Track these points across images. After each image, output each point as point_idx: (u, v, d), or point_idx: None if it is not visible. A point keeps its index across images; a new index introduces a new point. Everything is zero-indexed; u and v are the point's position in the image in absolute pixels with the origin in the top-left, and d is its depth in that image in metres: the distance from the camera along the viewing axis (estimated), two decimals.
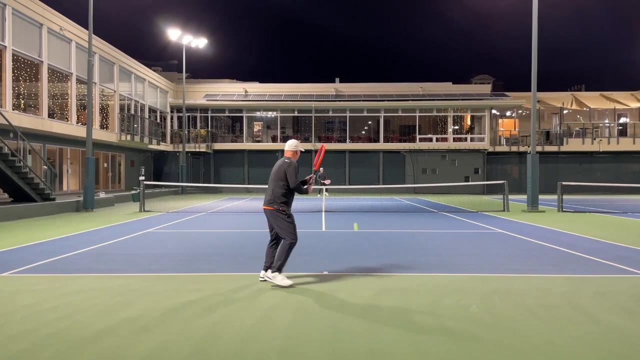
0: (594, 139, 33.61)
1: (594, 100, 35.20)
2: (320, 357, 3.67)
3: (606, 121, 35.73)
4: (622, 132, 34.92)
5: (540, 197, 18.40)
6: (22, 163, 15.18)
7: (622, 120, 36.20)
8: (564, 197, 17.84)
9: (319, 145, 34.01)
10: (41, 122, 18.92)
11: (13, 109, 17.41)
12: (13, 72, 17.58)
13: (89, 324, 4.43)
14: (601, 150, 33.45)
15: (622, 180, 31.89)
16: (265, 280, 6.03)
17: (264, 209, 6.09)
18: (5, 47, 17.01)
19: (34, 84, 19.44)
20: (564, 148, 33.44)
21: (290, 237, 5.92)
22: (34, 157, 18.75)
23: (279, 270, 5.90)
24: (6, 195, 16.64)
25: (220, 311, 4.86)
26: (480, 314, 4.77)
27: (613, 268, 7.10)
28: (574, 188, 27.26)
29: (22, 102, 19.42)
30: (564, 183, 17.96)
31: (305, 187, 6.08)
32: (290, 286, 5.83)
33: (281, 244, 5.99)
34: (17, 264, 7.23)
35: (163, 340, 4.03)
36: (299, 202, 21.68)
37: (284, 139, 35.72)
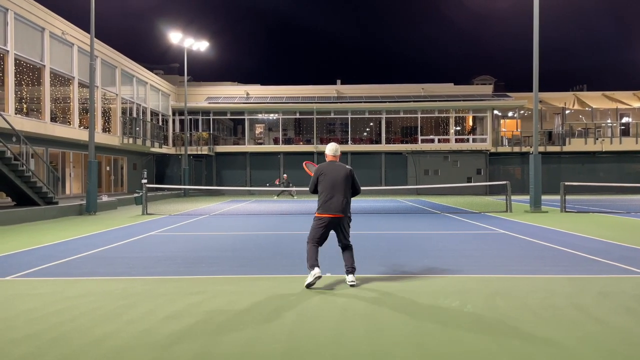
0: (597, 139, 33.54)
1: (596, 100, 35.14)
2: None
3: (608, 121, 35.67)
4: (625, 132, 34.85)
5: (543, 197, 18.36)
6: (25, 167, 15.22)
7: (625, 120, 36.12)
8: (567, 197, 17.80)
9: (320, 147, 34.05)
10: (44, 126, 18.98)
11: (16, 113, 17.46)
12: (15, 76, 17.63)
13: (92, 328, 4.43)
14: (604, 150, 33.37)
15: (625, 180, 31.79)
16: (354, 285, 5.99)
17: (335, 216, 5.97)
18: (8, 51, 17.07)
19: (37, 88, 19.50)
20: (566, 148, 33.38)
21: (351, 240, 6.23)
22: (37, 161, 18.79)
23: (355, 269, 6.11)
24: (9, 199, 16.68)
25: (223, 314, 4.85)
26: (483, 315, 4.76)
27: (617, 268, 7.08)
28: (577, 188, 27.16)
29: (25, 106, 19.50)
30: (566, 183, 17.92)
31: None
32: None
33: (350, 250, 6.19)
34: (20, 268, 7.24)
35: (166, 343, 4.03)
36: (301, 204, 21.66)
37: (286, 141, 35.80)
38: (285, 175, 29.57)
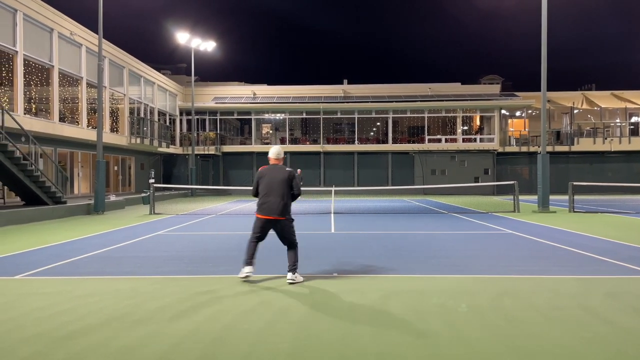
0: (605, 139, 33.28)
1: (604, 99, 34.88)
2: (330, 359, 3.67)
3: (617, 120, 35.40)
4: (634, 132, 34.58)
5: (551, 197, 18.26)
6: (33, 167, 15.34)
7: (634, 119, 35.82)
8: (575, 197, 17.68)
9: (327, 147, 34.04)
10: (52, 126, 19.12)
11: (25, 113, 17.60)
12: (24, 76, 17.77)
13: (99, 327, 4.47)
14: (612, 150, 33.11)
15: (633, 180, 31.52)
16: (293, 283, 6.12)
17: (272, 219, 6.13)
18: (17, 52, 17.21)
19: (45, 89, 19.64)
20: (574, 148, 33.16)
21: (295, 241, 6.34)
22: (46, 160, 18.93)
23: (296, 269, 6.23)
24: (18, 199, 16.82)
25: (230, 313, 4.87)
26: (490, 316, 4.74)
27: (625, 269, 7.03)
28: (585, 188, 26.97)
29: (34, 106, 19.64)
30: (575, 183, 17.81)
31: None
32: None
33: (293, 249, 6.28)
34: (28, 267, 7.30)
35: (173, 342, 4.05)
36: (308, 204, 21.68)
37: (293, 141, 35.84)
38: (299, 170, 29.41)
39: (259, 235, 6.29)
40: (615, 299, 5.36)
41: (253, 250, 6.27)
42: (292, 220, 6.32)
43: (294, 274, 6.14)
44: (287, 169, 6.31)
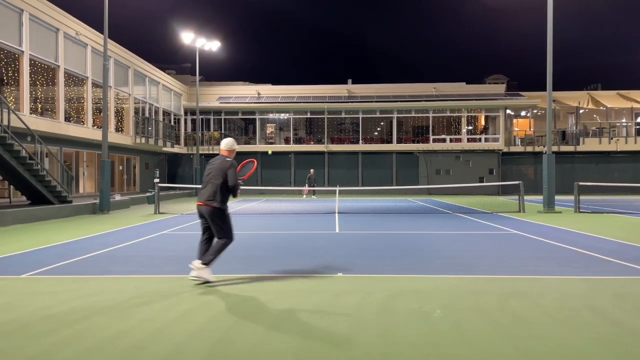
0: (611, 139, 33.13)
1: (610, 99, 34.71)
2: (335, 359, 3.67)
3: (623, 120, 35.21)
4: None
5: (557, 197, 18.17)
6: (39, 166, 15.41)
7: None
8: (581, 197, 17.61)
9: (331, 146, 34.02)
10: (58, 126, 19.20)
11: (30, 113, 17.69)
12: (30, 76, 17.86)
13: (106, 326, 4.48)
14: (618, 150, 32.95)
15: None
16: (197, 279, 6.01)
17: (201, 205, 6.09)
18: (23, 52, 17.29)
19: (51, 88, 19.73)
20: (580, 148, 33.02)
21: (230, 236, 6.15)
22: (51, 160, 19.01)
23: (208, 264, 5.99)
24: (24, 198, 16.90)
25: (236, 313, 4.87)
26: (496, 316, 4.72)
27: (632, 269, 6.98)
28: (591, 188, 26.82)
29: (39, 106, 19.72)
30: (580, 183, 17.73)
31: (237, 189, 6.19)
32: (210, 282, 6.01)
33: (217, 241, 6.09)
34: (35, 266, 7.33)
35: (178, 342, 4.06)
36: (312, 204, 21.68)
37: (297, 141, 35.85)
38: (312, 170, 29.43)
39: (202, 224, 6.24)
40: (622, 299, 5.33)
41: (200, 248, 6.19)
42: (222, 210, 6.08)
43: (203, 263, 5.96)
44: (228, 159, 6.19)
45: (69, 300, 5.37)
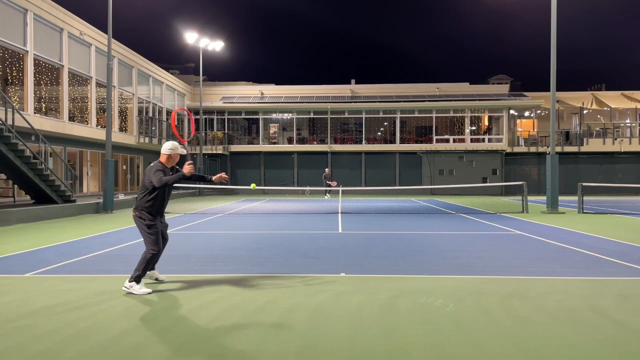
0: (615, 139, 32.99)
1: (614, 99, 34.58)
2: (338, 359, 3.67)
3: (627, 121, 35.07)
4: None
5: (560, 198, 18.14)
6: (43, 165, 15.46)
7: None
8: (585, 198, 17.55)
9: (334, 146, 34.01)
10: (62, 125, 19.26)
11: (35, 113, 17.76)
12: (34, 76, 17.93)
13: (110, 325, 4.49)
14: (622, 150, 32.82)
15: None
16: (128, 291, 5.65)
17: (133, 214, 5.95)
18: (27, 51, 17.35)
19: (55, 88, 19.79)
20: (584, 148, 32.89)
21: (150, 247, 5.71)
22: (55, 159, 19.08)
23: (137, 280, 5.63)
24: (28, 197, 16.96)
25: (239, 312, 4.89)
26: (499, 317, 4.72)
27: (635, 270, 6.96)
28: (595, 189, 26.82)
29: (44, 105, 19.79)
30: (584, 184, 17.67)
31: (177, 173, 5.89)
32: (149, 293, 5.63)
33: (143, 253, 5.75)
34: (39, 265, 7.36)
35: (181, 341, 4.07)
36: (315, 204, 21.67)
37: (300, 141, 35.85)
38: (327, 169, 29.57)
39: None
40: (626, 300, 5.32)
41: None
42: (143, 219, 5.77)
43: (130, 281, 5.63)
44: (152, 163, 5.96)
45: (73, 300, 5.39)
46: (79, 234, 11.09)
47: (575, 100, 34.39)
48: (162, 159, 6.00)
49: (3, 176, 16.50)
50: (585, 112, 35.07)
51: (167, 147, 6.00)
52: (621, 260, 7.69)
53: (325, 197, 27.85)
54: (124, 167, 27.21)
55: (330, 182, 27.69)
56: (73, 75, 20.54)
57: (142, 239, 5.88)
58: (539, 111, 35.44)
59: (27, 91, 17.36)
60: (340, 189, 20.29)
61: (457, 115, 34.64)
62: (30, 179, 14.96)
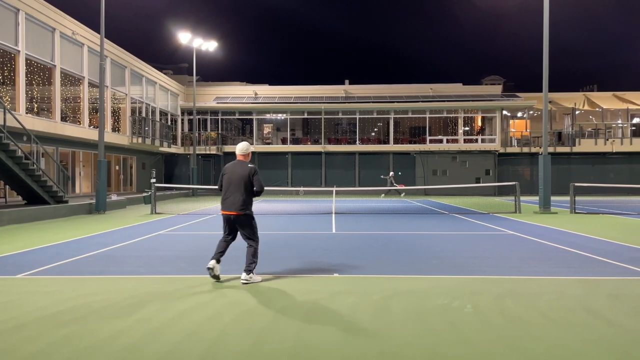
0: (607, 140, 33.24)
1: (606, 100, 34.84)
2: (332, 359, 3.67)
3: (619, 121, 35.36)
4: (636, 133, 34.52)
5: (553, 198, 18.22)
6: (35, 166, 15.36)
7: (636, 120, 35.77)
8: (577, 198, 17.66)
9: (328, 147, 34.02)
10: (54, 126, 19.13)
11: (26, 113, 17.63)
12: (26, 76, 17.79)
13: (102, 326, 4.47)
14: (614, 151, 33.07)
15: (635, 181, 31.43)
16: (247, 283, 6.11)
17: (232, 214, 6.16)
18: (19, 51, 17.23)
19: (47, 88, 19.66)
20: (576, 149, 33.12)
21: (258, 239, 6.32)
22: (47, 160, 18.95)
23: (253, 271, 6.16)
24: (20, 198, 16.84)
25: (232, 313, 4.87)
26: (492, 317, 4.74)
27: (627, 270, 7.02)
28: (587, 189, 26.92)
29: (36, 105, 19.66)
30: (576, 184, 17.78)
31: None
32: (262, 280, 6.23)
33: (250, 249, 6.21)
34: (30, 266, 7.31)
35: (174, 342, 4.06)
36: (308, 204, 21.66)
37: (294, 141, 35.82)
38: (391, 173, 29.91)
39: (227, 232, 6.34)
40: (618, 300, 5.36)
41: (221, 248, 6.31)
42: (252, 217, 6.27)
43: (248, 274, 6.11)
44: (250, 165, 6.25)
45: (65, 301, 5.35)
46: (71, 235, 11.03)
47: (567, 101, 34.62)
48: (247, 158, 6.36)
49: None
50: (577, 112, 35.32)
51: (245, 147, 6.39)
52: (613, 260, 7.74)
53: (401, 195, 28.90)
54: (117, 167, 27.07)
55: (396, 184, 28.61)
56: (65, 75, 20.41)
57: (250, 235, 6.23)
58: (531, 112, 35.63)
59: (19, 91, 17.23)
60: (334, 189, 20.29)
61: (451, 115, 34.76)
62: (22, 179, 14.85)
